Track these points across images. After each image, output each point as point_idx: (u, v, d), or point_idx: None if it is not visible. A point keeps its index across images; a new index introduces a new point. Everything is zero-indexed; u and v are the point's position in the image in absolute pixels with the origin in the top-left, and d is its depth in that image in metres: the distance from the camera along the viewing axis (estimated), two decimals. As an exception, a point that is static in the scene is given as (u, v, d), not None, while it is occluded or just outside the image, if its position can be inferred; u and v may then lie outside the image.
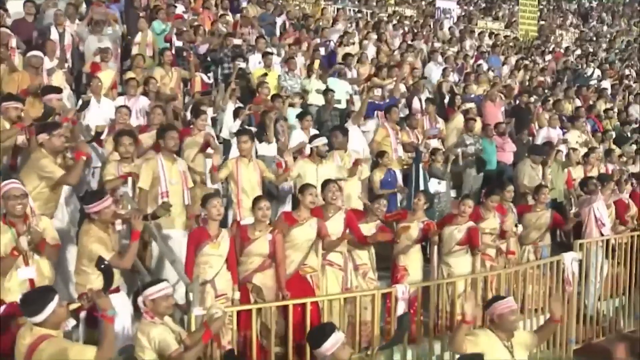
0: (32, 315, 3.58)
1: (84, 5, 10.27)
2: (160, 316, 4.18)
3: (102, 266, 4.55)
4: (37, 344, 3.51)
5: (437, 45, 14.41)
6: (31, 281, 4.44)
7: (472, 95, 11.16)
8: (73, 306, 3.94)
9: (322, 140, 7.06)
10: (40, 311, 3.56)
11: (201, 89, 9.20)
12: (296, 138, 8.31)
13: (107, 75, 8.46)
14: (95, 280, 4.66)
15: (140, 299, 4.17)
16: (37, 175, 5.21)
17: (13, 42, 7.77)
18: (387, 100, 9.90)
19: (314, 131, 8.48)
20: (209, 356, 4.92)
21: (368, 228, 6.28)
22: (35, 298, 3.65)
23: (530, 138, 10.70)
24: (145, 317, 4.16)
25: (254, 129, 8.35)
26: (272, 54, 10.43)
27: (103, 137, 6.96)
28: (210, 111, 8.43)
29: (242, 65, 9.65)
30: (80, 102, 7.94)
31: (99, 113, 7.64)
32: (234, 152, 7.95)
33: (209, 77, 9.49)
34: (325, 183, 6.13)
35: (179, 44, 10.23)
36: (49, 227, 4.70)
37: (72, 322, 3.78)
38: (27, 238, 4.34)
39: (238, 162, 6.56)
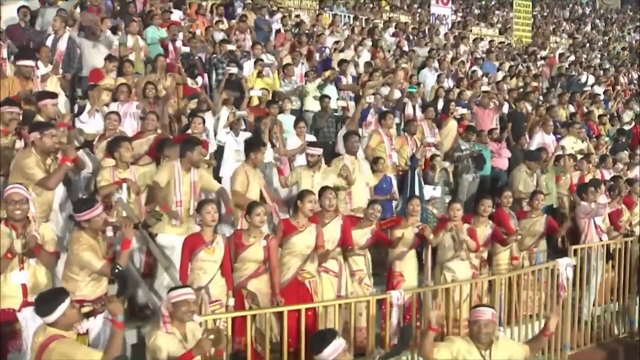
0: (44, 315, 3.69)
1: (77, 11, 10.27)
2: (178, 322, 4.19)
3: (116, 271, 4.54)
4: (48, 343, 3.61)
5: (432, 51, 14.42)
6: (24, 287, 4.44)
7: (467, 102, 11.19)
8: (85, 309, 4.02)
9: (316, 151, 6.98)
10: (52, 312, 3.66)
11: (183, 94, 9.18)
12: (291, 144, 8.30)
13: (109, 83, 8.47)
14: (84, 288, 4.61)
15: (163, 302, 4.22)
16: (21, 175, 5.17)
17: (4, 52, 7.75)
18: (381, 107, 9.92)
19: (310, 137, 8.49)
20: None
21: (362, 233, 6.29)
22: (48, 299, 3.75)
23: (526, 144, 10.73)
24: (160, 321, 4.18)
25: (249, 134, 8.37)
26: (262, 60, 10.46)
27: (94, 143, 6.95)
28: (209, 115, 8.40)
29: (234, 70, 9.68)
30: (76, 107, 7.94)
31: (93, 121, 7.63)
32: (228, 158, 7.99)
33: (196, 82, 9.46)
34: (322, 190, 6.13)
35: (185, 49, 10.28)
36: (48, 234, 4.70)
37: (86, 324, 3.90)
38: (21, 242, 4.34)
39: (247, 171, 6.57)
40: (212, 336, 4.16)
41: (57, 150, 5.36)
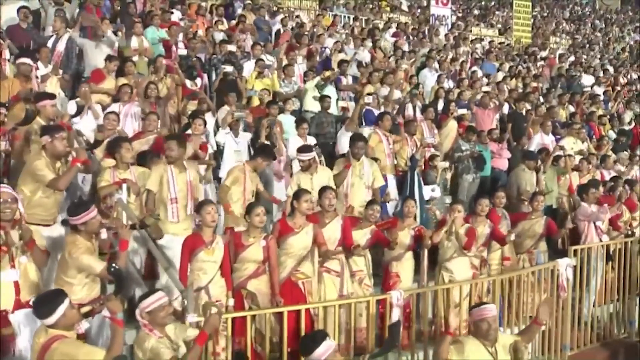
0: (44, 317, 3.68)
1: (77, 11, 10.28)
2: (160, 327, 4.15)
3: (113, 269, 4.51)
4: (50, 344, 3.61)
5: (432, 51, 14.44)
6: (16, 285, 4.43)
7: (466, 102, 11.18)
8: (85, 309, 4.03)
9: (306, 156, 6.89)
10: (51, 313, 3.65)
11: (182, 95, 9.16)
12: (293, 144, 8.30)
13: (109, 84, 8.46)
14: (80, 292, 4.59)
15: (137, 312, 4.15)
16: (32, 178, 5.18)
17: (6, 53, 7.75)
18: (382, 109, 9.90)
19: (310, 139, 8.48)
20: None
21: (362, 234, 6.29)
22: (46, 300, 3.74)
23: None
24: (143, 329, 4.13)
25: (249, 135, 8.37)
26: (263, 60, 10.46)
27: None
28: (208, 116, 8.39)
29: (229, 69, 9.68)
30: (74, 107, 7.93)
31: (86, 119, 7.63)
32: (228, 159, 7.99)
33: (195, 84, 9.45)
34: (322, 190, 6.12)
35: (182, 52, 10.27)
36: (38, 236, 4.71)
37: (85, 324, 3.87)
38: (18, 232, 4.33)
39: (246, 171, 6.57)
40: (214, 309, 4.14)
41: (68, 153, 5.36)
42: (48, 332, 3.66)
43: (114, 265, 4.51)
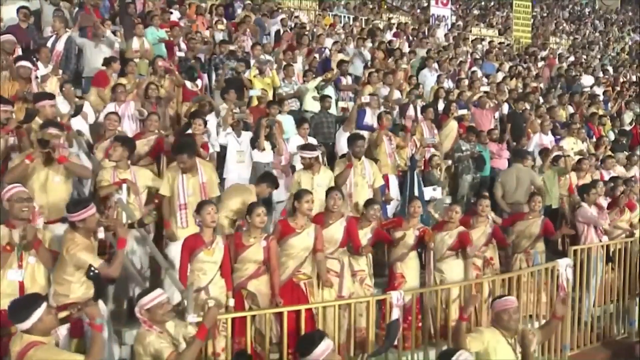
0: (19, 322, 3.55)
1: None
2: (159, 324, 4.15)
3: (92, 274, 4.38)
4: (26, 351, 3.47)
5: (432, 52, 14.44)
6: (21, 285, 4.41)
7: (464, 102, 11.15)
8: (62, 314, 3.89)
9: (309, 154, 6.88)
10: (27, 318, 3.51)
11: (183, 97, 9.12)
12: (294, 144, 8.30)
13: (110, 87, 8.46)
14: (78, 290, 4.57)
15: (136, 310, 4.15)
16: None
17: (19, 51, 7.73)
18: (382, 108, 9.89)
19: (311, 139, 8.47)
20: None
21: (363, 233, 6.29)
22: (22, 304, 3.61)
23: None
24: (143, 326, 4.14)
25: (250, 134, 8.36)
26: (262, 60, 10.47)
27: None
28: (212, 117, 8.38)
29: (232, 65, 9.65)
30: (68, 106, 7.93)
31: (79, 120, 7.62)
32: (230, 159, 7.98)
33: (196, 85, 9.43)
34: (329, 191, 6.15)
35: (180, 54, 10.26)
36: (48, 233, 4.70)
37: (63, 330, 3.74)
38: (19, 232, 4.32)
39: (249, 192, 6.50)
40: (212, 302, 4.13)
41: (53, 150, 5.31)
42: (23, 339, 3.52)
43: (93, 269, 4.38)
